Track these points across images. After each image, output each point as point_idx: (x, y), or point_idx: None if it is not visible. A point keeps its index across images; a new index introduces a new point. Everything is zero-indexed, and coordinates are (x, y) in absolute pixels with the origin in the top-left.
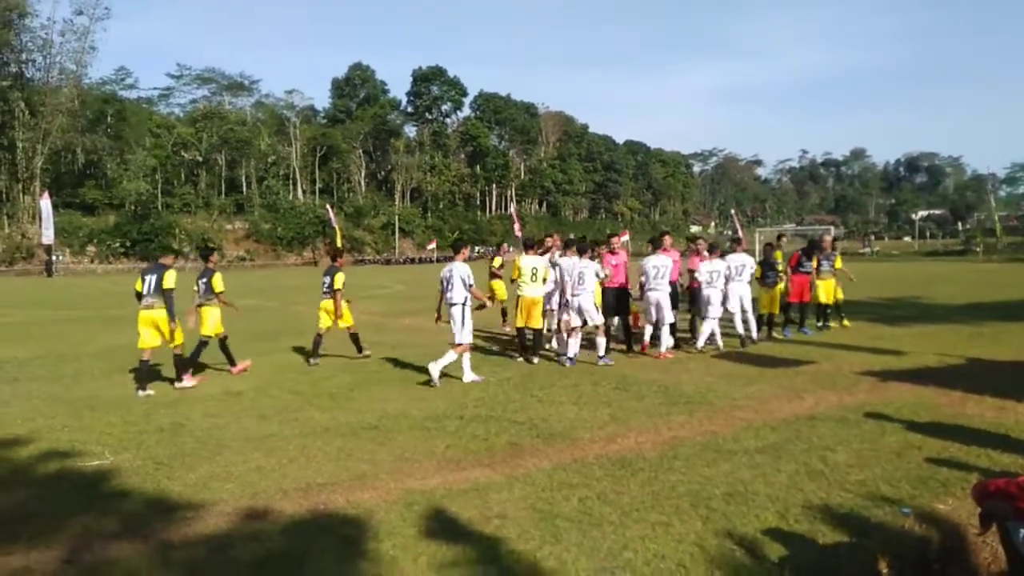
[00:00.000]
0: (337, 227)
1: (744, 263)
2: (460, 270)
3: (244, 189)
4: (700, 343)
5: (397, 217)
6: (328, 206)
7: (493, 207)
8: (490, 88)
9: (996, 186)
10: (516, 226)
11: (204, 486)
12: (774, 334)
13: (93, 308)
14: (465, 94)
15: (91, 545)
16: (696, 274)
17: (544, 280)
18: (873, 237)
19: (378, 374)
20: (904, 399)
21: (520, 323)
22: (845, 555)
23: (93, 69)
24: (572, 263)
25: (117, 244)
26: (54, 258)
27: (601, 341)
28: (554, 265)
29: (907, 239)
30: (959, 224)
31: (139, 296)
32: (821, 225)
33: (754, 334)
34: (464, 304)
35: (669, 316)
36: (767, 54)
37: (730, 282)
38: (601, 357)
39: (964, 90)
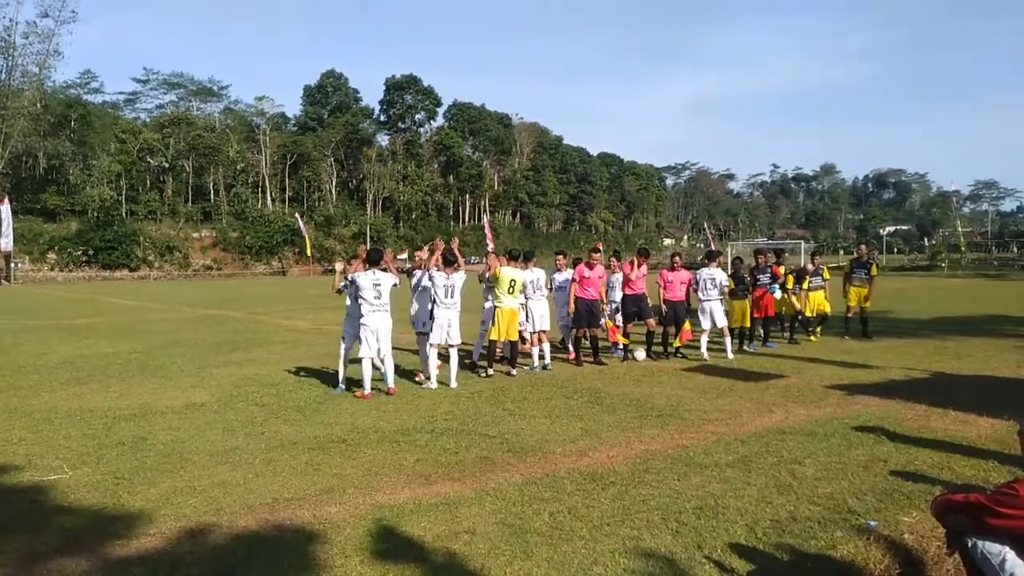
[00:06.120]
0: (307, 236)
1: (714, 276)
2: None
3: (212, 197)
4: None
5: (368, 226)
6: (298, 215)
7: (466, 218)
8: (464, 98)
9: (960, 203)
10: (488, 237)
11: (166, 501)
12: (745, 347)
13: (53, 317)
14: (439, 104)
15: (46, 562)
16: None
17: (523, 292)
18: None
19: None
20: (871, 413)
21: (496, 336)
22: (812, 568)
23: (57, 72)
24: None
25: (79, 252)
26: (13, 265)
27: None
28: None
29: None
30: (925, 240)
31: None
32: (792, 239)
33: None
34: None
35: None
36: (739, 69)
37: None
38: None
39: (930, 109)
